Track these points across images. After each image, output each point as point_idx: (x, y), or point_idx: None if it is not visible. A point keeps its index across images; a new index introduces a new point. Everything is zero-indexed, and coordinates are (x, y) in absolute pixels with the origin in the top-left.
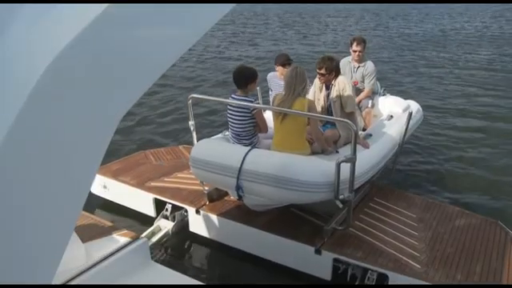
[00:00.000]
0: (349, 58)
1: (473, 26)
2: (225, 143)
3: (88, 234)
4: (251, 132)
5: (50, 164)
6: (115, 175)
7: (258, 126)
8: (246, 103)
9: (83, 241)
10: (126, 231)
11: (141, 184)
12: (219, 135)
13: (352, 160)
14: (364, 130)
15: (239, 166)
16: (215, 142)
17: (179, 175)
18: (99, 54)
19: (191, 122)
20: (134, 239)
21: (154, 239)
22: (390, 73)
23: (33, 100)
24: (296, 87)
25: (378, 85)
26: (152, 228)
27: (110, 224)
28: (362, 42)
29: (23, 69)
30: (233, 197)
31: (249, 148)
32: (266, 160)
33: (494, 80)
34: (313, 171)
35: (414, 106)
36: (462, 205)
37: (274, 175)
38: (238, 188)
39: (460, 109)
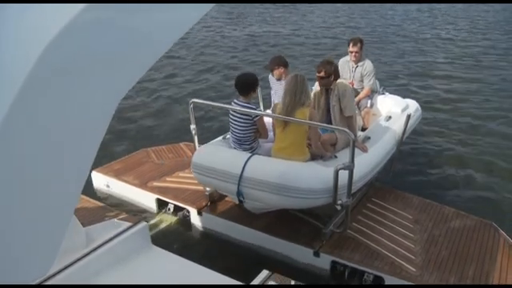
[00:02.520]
0: (347, 58)
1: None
2: (225, 149)
3: (88, 218)
4: (252, 137)
5: (49, 149)
6: (117, 175)
7: (259, 131)
8: (249, 110)
9: (84, 225)
10: (125, 215)
11: (143, 184)
12: (220, 138)
13: (350, 167)
14: (363, 129)
15: (240, 172)
16: (216, 148)
17: (181, 174)
18: (93, 40)
19: (193, 126)
20: (134, 223)
21: (156, 229)
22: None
23: (29, 89)
24: (297, 95)
25: (378, 84)
26: (154, 221)
27: (109, 208)
28: (358, 42)
29: (15, 58)
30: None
31: (249, 155)
32: (265, 167)
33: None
34: (311, 178)
35: (413, 105)
36: (458, 204)
37: (273, 182)
38: (239, 194)
39: (458, 107)
